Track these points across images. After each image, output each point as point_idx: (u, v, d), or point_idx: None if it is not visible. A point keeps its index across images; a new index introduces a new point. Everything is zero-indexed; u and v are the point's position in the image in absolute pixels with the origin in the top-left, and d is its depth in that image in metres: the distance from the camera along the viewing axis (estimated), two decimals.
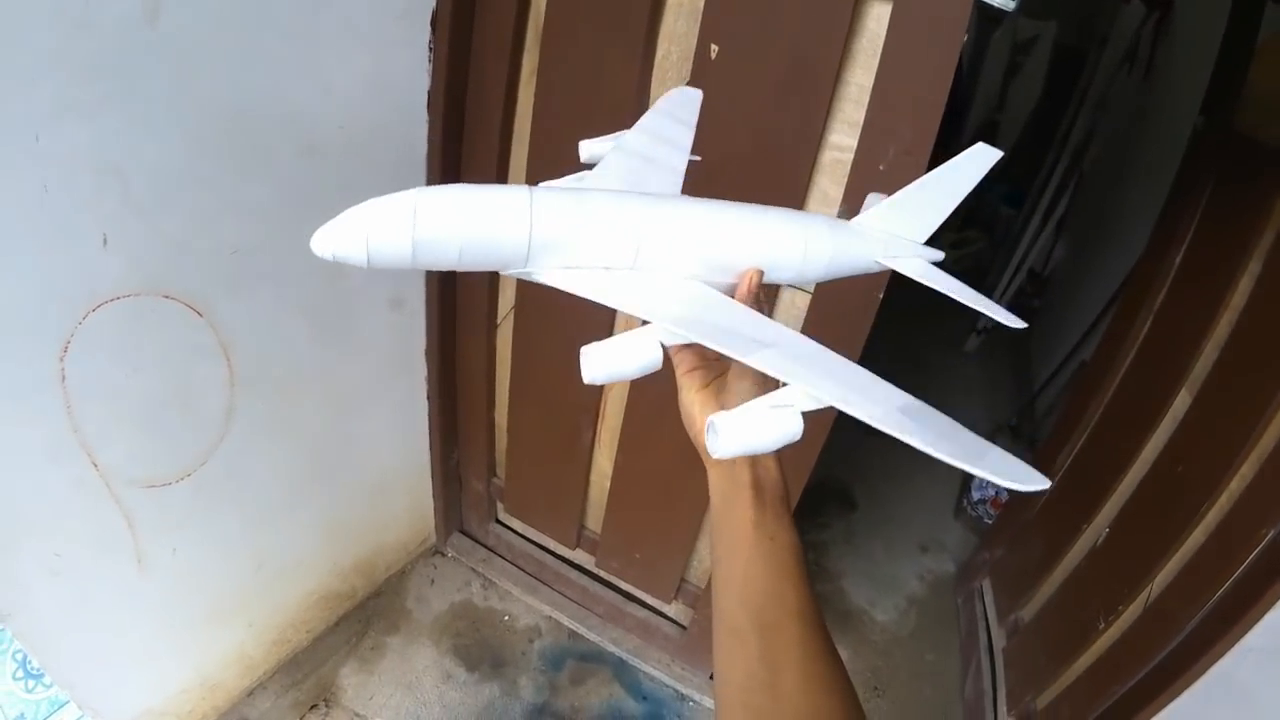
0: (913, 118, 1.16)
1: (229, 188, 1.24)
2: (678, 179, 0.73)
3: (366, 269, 0.53)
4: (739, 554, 0.60)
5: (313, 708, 1.80)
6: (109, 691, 1.44)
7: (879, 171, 1.20)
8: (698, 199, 0.65)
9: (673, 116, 0.78)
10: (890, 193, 0.72)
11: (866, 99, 1.19)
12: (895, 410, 0.52)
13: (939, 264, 0.74)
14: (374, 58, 1.39)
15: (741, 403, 0.57)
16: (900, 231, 0.72)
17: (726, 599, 0.60)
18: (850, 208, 1.25)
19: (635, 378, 0.58)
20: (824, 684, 0.55)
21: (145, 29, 1.02)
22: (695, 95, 0.82)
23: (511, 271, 0.57)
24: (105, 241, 1.09)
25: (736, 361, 0.60)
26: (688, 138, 0.78)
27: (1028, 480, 0.50)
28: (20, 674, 1.42)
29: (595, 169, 0.70)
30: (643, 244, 0.59)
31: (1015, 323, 0.72)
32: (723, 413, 0.54)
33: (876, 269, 0.71)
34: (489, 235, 0.54)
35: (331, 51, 1.30)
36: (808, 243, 0.66)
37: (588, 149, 0.73)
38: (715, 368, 0.68)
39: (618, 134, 0.74)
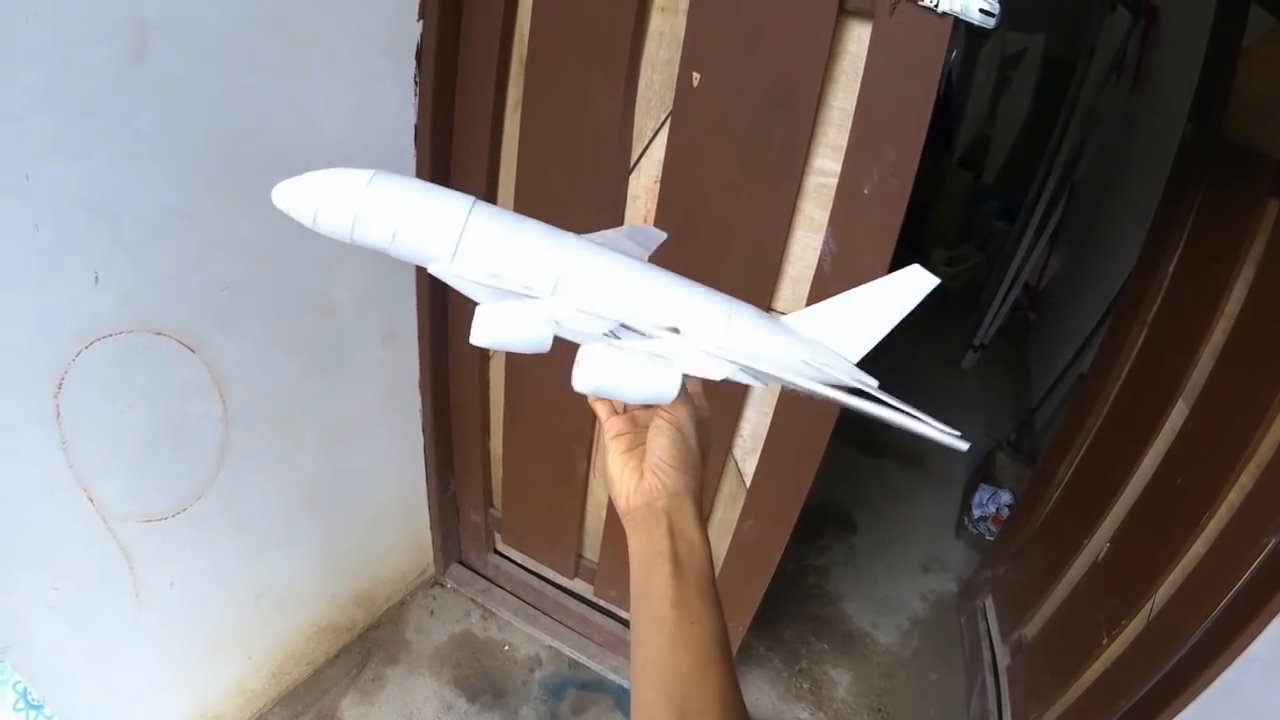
0: (897, 139, 1.16)
1: (218, 225, 1.24)
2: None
3: (311, 228, 0.58)
4: (659, 638, 0.58)
5: None
6: None
7: (864, 195, 1.21)
8: (634, 258, 0.65)
9: (633, 239, 0.78)
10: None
11: (849, 123, 1.19)
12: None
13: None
14: (360, 93, 1.40)
15: (659, 458, 0.62)
16: (827, 340, 0.68)
17: (646, 687, 0.57)
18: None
19: (522, 351, 0.59)
20: None
21: (132, 69, 1.03)
22: (659, 235, 0.82)
23: (436, 267, 0.60)
24: (96, 279, 1.09)
25: (654, 421, 0.64)
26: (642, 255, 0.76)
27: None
28: (21, 705, 1.40)
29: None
30: (563, 278, 0.60)
31: (958, 444, 0.61)
32: (598, 345, 0.55)
33: (806, 377, 0.65)
34: (424, 225, 0.58)
35: (318, 87, 1.31)
36: (732, 314, 0.64)
37: None
38: (641, 435, 0.68)
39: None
